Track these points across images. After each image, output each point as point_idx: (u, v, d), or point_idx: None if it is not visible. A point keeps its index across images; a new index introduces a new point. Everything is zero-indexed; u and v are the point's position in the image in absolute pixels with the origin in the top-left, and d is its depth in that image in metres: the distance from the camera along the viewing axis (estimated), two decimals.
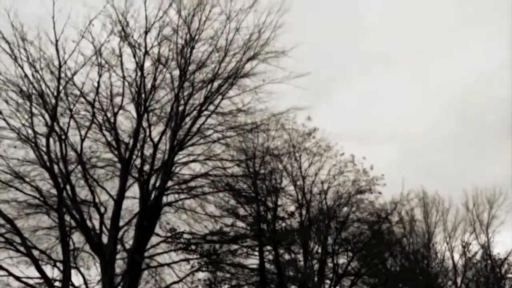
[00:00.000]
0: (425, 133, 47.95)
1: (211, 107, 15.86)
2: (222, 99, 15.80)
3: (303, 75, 15.55)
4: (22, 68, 13.47)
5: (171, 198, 15.98)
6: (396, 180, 22.01)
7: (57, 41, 13.44)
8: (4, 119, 13.55)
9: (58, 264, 13.55)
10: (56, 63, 13.57)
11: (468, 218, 31.30)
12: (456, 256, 30.57)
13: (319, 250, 21.00)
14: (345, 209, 21.35)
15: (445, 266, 30.03)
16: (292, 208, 21.49)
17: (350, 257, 21.17)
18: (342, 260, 21.49)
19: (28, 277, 13.11)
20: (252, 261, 20.26)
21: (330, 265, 21.14)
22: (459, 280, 30.00)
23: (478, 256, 30.55)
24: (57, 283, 13.26)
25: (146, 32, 14.62)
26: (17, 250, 13.21)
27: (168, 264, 15.66)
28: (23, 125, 13.72)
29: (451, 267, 30.27)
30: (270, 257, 20.51)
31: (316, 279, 20.52)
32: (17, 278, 13.00)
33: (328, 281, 21.17)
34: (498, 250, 35.02)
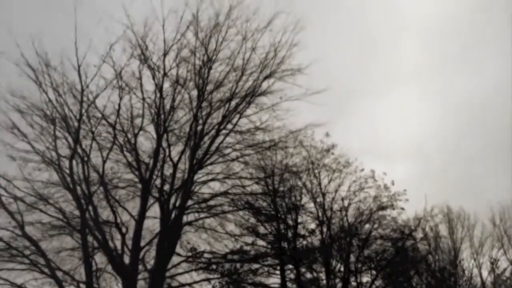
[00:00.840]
0: (447, 149, 47.09)
1: (229, 126, 16.02)
2: (240, 117, 15.95)
3: (319, 91, 15.63)
4: (46, 93, 13.96)
5: (191, 217, 16.09)
6: (419, 197, 21.58)
7: (79, 66, 13.94)
8: (29, 143, 13.97)
9: (81, 285, 13.66)
10: (79, 87, 14.02)
11: (495, 233, 30.33)
12: (485, 273, 29.54)
13: (342, 269, 20.58)
14: (367, 226, 20.95)
15: (473, 284, 28.99)
16: (312, 225, 21.23)
17: (374, 276, 20.65)
18: (366, 278, 20.98)
19: None
20: (274, 280, 19.98)
21: (354, 284, 20.65)
22: None
23: (507, 273, 29.45)
24: None
25: (164, 55, 15.00)
26: (42, 272, 13.40)
27: (190, 284, 15.65)
28: (47, 148, 14.13)
29: (479, 284, 29.21)
30: (292, 276, 20.19)
31: None
32: None
33: None
34: None
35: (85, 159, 14.02)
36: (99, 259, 14.75)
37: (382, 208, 21.27)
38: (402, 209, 21.18)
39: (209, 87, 15.81)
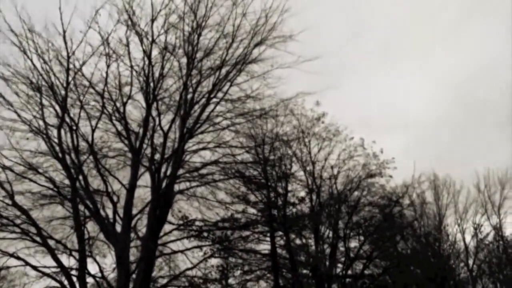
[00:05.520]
0: (434, 121, 47.78)
1: (220, 94, 15.83)
2: (230, 85, 15.75)
3: (311, 59, 15.42)
4: (31, 60, 13.51)
5: (182, 186, 16.11)
6: (407, 167, 21.96)
7: (64, 32, 13.44)
8: (15, 111, 13.65)
9: (74, 253, 13.73)
10: (65, 54, 13.60)
11: (479, 199, 31.19)
12: (468, 238, 30.55)
13: (330, 235, 21.06)
14: (356, 193, 21.34)
15: (457, 248, 30.02)
16: (302, 193, 21.55)
17: (361, 241, 21.20)
18: (353, 244, 21.55)
19: (44, 267, 13.32)
20: (264, 247, 20.45)
21: (342, 249, 21.21)
22: (470, 262, 30.00)
23: (490, 238, 30.49)
24: (73, 272, 13.46)
25: (152, 20, 14.56)
26: (33, 240, 13.40)
27: (182, 251, 15.85)
28: (34, 117, 13.82)
29: (463, 249, 30.26)
30: (282, 242, 20.63)
31: (327, 263, 20.63)
32: (34, 268, 13.22)
33: (340, 265, 21.27)
34: (511, 231, 34.93)
35: (74, 128, 13.80)
36: (91, 227, 14.82)
37: (371, 175, 21.61)
38: (390, 176, 21.58)
39: (199, 54, 15.51)
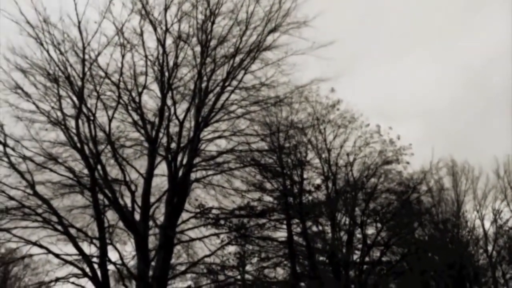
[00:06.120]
0: (451, 108, 46.99)
1: (234, 82, 15.80)
2: (244, 73, 15.70)
3: (326, 45, 15.22)
4: (47, 51, 13.66)
5: (199, 174, 16.22)
6: (424, 155, 21.71)
7: (79, 22, 13.55)
8: (34, 103, 13.85)
9: (94, 241, 14.00)
10: (80, 45, 13.70)
11: (499, 185, 30.63)
12: (487, 224, 30.12)
13: (347, 222, 20.99)
14: (373, 180, 21.15)
15: (476, 235, 29.64)
16: (318, 181, 21.46)
17: (379, 228, 21.08)
18: (371, 230, 21.44)
19: (66, 254, 13.63)
20: (281, 234, 20.48)
21: (359, 236, 21.13)
22: (490, 248, 29.62)
23: (510, 223, 30.00)
24: (94, 259, 13.74)
25: (166, 9, 14.56)
26: (55, 229, 13.70)
27: (199, 239, 16.02)
28: (52, 108, 14.03)
29: (481, 235, 29.86)
30: (298, 229, 20.65)
31: (344, 250, 20.60)
32: (56, 256, 13.56)
33: (357, 252, 21.22)
34: None
35: (91, 118, 13.97)
36: (111, 216, 15.07)
37: (388, 162, 21.39)
38: (408, 163, 21.30)
39: (213, 42, 15.47)
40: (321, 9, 14.95)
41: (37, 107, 13.94)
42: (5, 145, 13.57)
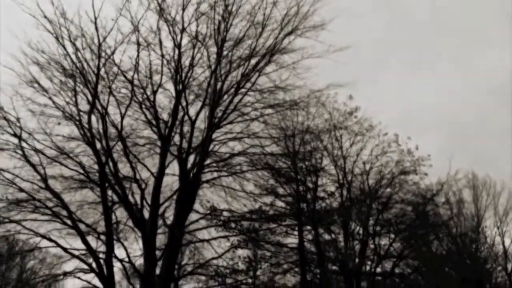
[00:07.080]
0: (474, 121, 45.88)
1: (248, 85, 15.64)
2: (259, 75, 15.53)
3: (343, 49, 14.97)
4: (64, 46, 13.81)
5: (210, 175, 16.07)
6: (444, 167, 21.13)
7: (96, 18, 13.66)
8: (50, 98, 14.00)
9: (102, 236, 14.00)
10: (96, 41, 13.81)
11: None
12: (507, 241, 29.08)
13: (360, 231, 20.54)
14: (388, 190, 20.72)
15: (495, 251, 28.64)
16: (332, 188, 21.10)
17: (392, 239, 20.57)
18: (384, 241, 20.94)
19: (74, 249, 13.67)
20: (292, 240, 20.18)
21: (372, 246, 20.66)
22: (510, 266, 28.57)
23: None
24: (101, 255, 13.73)
25: (183, 9, 14.56)
26: (64, 223, 13.76)
27: (207, 240, 15.85)
28: (67, 103, 14.15)
29: (501, 252, 28.84)
30: (310, 236, 20.32)
31: (357, 259, 20.15)
32: (64, 249, 13.61)
33: (369, 262, 20.73)
34: None
35: (104, 114, 14.02)
36: (120, 213, 15.06)
37: (404, 173, 20.92)
38: (425, 174, 20.80)
39: (229, 44, 15.39)
40: (341, 13, 14.71)
41: (53, 101, 14.08)
42: (20, 138, 13.74)
